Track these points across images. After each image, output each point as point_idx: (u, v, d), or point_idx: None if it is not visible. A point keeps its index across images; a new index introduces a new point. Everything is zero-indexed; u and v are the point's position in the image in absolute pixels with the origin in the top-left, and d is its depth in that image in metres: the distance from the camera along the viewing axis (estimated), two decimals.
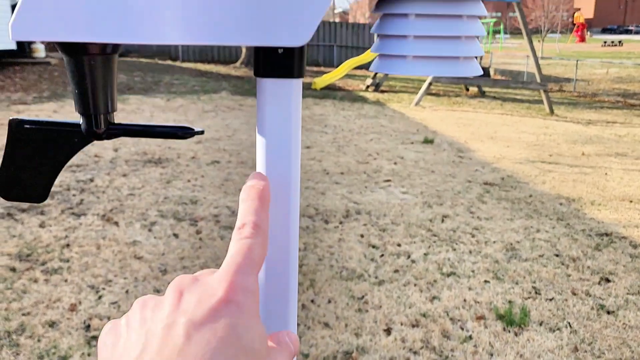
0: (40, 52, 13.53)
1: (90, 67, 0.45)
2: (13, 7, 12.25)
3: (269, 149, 0.46)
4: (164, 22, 0.41)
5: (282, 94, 0.46)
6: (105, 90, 0.47)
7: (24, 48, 13.25)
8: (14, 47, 12.27)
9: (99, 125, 0.48)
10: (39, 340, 2.72)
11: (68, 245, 3.82)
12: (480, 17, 0.47)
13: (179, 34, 0.41)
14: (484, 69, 18.77)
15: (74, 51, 0.44)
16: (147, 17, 0.41)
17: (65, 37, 0.41)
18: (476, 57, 0.50)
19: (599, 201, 5.39)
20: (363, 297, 3.29)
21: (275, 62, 0.45)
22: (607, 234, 4.51)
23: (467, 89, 14.90)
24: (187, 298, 0.32)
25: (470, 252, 4.03)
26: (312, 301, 3.23)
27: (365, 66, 16.18)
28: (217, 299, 0.31)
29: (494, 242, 4.23)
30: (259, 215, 0.38)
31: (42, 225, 4.12)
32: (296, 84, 0.47)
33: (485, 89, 15.42)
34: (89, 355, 2.65)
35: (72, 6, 0.40)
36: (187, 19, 0.41)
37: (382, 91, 13.91)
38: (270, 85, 0.46)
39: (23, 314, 2.94)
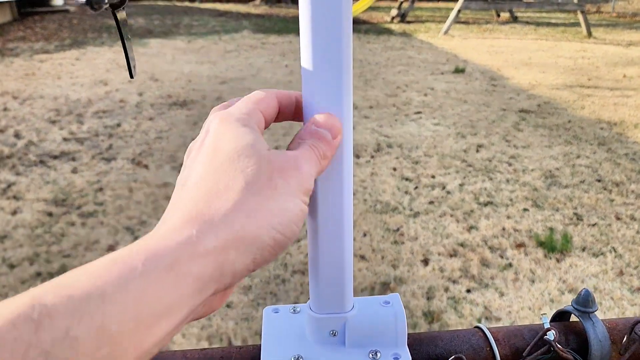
0: None
1: None
2: None
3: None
4: None
5: None
6: None
7: None
8: None
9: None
10: None
11: (101, 189, 3.84)
12: None
13: None
14: None
15: None
16: None
17: None
18: None
19: None
20: (398, 229, 3.23)
21: None
22: None
23: (498, 15, 14.19)
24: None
25: (507, 180, 3.90)
26: None
27: None
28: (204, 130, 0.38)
29: (532, 170, 4.08)
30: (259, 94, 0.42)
31: (74, 171, 4.14)
32: None
33: (518, 13, 14.67)
34: None
35: None
36: None
37: (408, 22, 13.36)
38: None
39: (63, 256, 2.99)
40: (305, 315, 0.51)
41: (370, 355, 0.48)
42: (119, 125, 5.21)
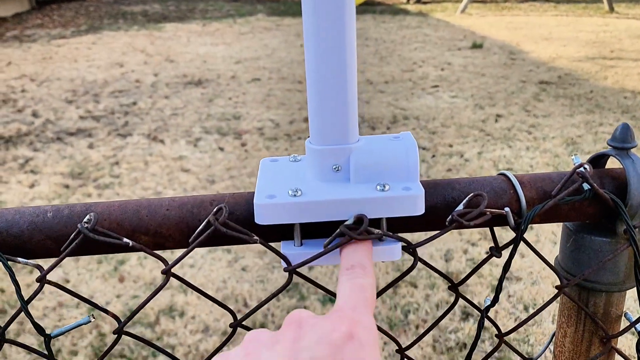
0: None
1: None
2: None
3: None
4: None
5: None
6: None
7: None
8: None
9: None
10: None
11: (117, 162, 3.84)
12: None
13: None
14: None
15: None
16: None
17: None
18: None
19: None
20: None
21: None
22: None
23: None
24: (306, 334, 0.31)
25: (527, 148, 3.81)
26: None
27: None
28: (340, 335, 0.31)
29: (553, 137, 3.98)
30: (364, 258, 0.39)
31: (90, 147, 4.15)
32: None
33: None
34: (144, 258, 2.68)
35: None
36: None
37: (424, 2, 13.15)
38: None
39: None
40: (304, 157, 0.47)
41: (378, 187, 0.43)
42: (134, 103, 5.21)
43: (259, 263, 2.61)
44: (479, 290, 2.38)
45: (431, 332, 2.16)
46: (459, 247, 2.67)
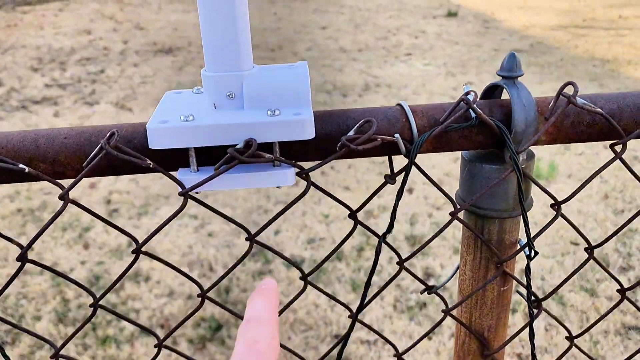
0: None
1: None
2: None
3: None
4: None
5: None
6: None
7: None
8: None
9: None
10: (61, 215, 2.75)
11: None
12: None
13: None
14: None
15: None
16: None
17: None
18: None
19: (636, 60, 5.04)
20: (384, 162, 3.19)
21: None
22: None
23: None
24: None
25: None
26: (332, 167, 3.15)
27: None
28: None
29: None
30: (263, 310, 0.38)
31: (56, 115, 4.08)
32: None
33: None
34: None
35: None
36: None
37: None
38: None
39: (44, 194, 2.96)
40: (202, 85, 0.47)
41: (269, 112, 0.44)
42: (102, 71, 5.10)
43: (225, 229, 2.63)
44: (442, 252, 2.44)
45: (393, 293, 2.21)
46: (424, 211, 2.71)
